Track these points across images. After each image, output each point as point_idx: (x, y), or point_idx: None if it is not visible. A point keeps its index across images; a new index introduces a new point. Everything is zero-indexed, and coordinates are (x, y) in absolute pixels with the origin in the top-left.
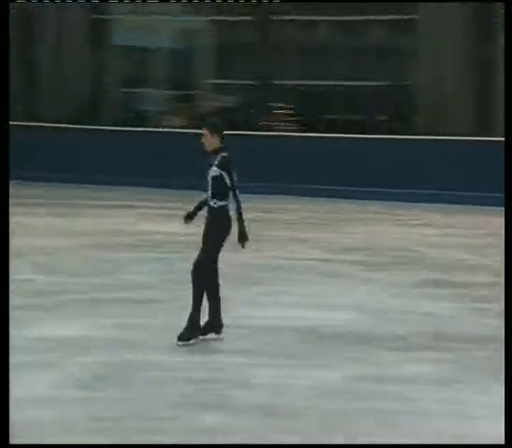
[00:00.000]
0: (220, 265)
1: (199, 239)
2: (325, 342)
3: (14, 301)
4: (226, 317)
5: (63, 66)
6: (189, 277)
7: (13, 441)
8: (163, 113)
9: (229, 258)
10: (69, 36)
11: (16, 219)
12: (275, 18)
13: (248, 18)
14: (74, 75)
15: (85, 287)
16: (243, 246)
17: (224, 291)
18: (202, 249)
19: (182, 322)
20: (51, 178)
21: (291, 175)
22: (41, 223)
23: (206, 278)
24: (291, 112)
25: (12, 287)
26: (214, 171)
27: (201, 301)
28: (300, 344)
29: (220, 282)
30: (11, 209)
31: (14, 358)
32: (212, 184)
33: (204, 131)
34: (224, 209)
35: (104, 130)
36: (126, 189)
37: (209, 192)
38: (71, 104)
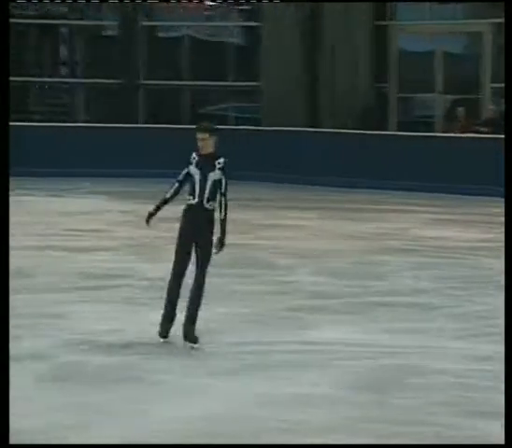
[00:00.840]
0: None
1: (474, 245)
2: None
3: (295, 302)
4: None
5: (344, 71)
6: (463, 284)
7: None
8: (444, 118)
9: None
10: (351, 42)
11: (295, 223)
12: None
13: None
14: (355, 80)
15: (361, 291)
16: (216, 253)
17: None
18: (202, 253)
19: (454, 327)
20: (327, 183)
21: None
22: (318, 226)
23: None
24: None
25: (294, 287)
26: (217, 174)
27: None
28: None
29: None
30: (287, 213)
31: (287, 357)
32: (211, 187)
33: (203, 135)
34: (213, 212)
35: (386, 135)
36: (399, 193)
37: (206, 195)
38: (353, 109)
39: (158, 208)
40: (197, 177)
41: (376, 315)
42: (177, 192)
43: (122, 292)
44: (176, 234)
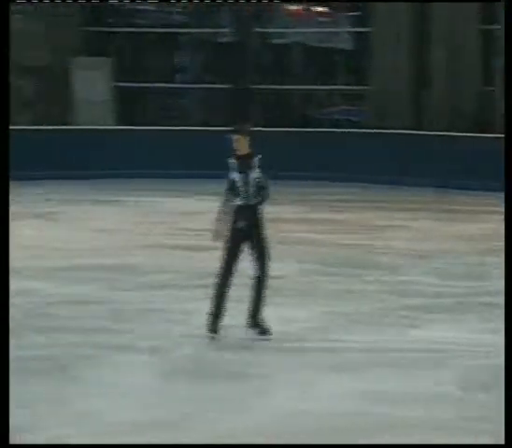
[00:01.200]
0: None
1: None
2: None
3: (404, 301)
4: None
5: (452, 75)
6: None
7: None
8: None
9: None
10: (459, 46)
11: (403, 223)
12: None
13: None
14: (464, 83)
15: (470, 291)
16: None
17: None
18: (259, 249)
19: None
20: (435, 184)
21: None
22: (425, 227)
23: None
24: None
25: (400, 287)
26: (258, 173)
27: None
28: None
29: None
30: (395, 214)
31: (396, 355)
32: (254, 185)
33: (238, 136)
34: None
35: (494, 137)
36: (493, 194)
37: (251, 194)
38: (461, 112)
39: (221, 223)
40: (240, 180)
41: (486, 315)
42: (230, 202)
43: (237, 291)
44: (286, 235)
